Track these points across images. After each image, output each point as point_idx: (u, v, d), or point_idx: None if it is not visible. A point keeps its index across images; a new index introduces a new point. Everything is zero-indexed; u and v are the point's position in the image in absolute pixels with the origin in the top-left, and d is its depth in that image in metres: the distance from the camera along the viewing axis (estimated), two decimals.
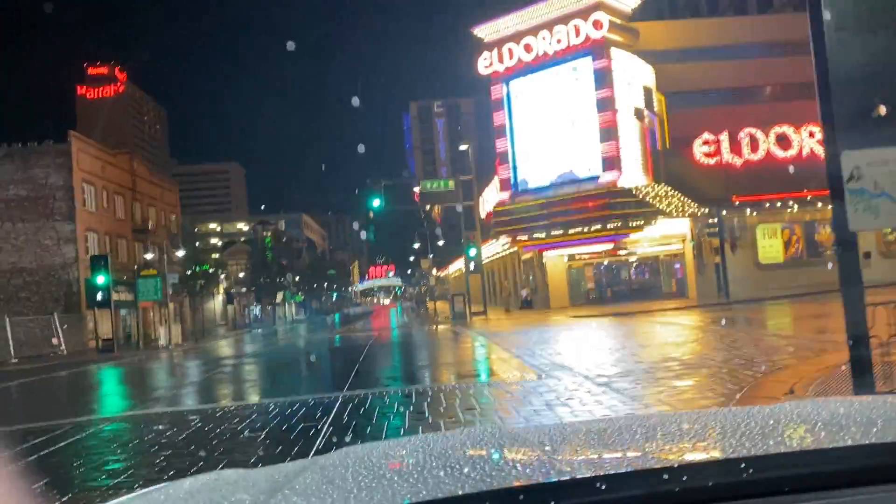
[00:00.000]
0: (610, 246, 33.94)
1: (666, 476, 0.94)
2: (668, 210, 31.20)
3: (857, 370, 6.20)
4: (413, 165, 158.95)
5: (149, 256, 42.48)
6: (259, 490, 1.22)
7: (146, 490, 1.41)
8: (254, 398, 12.64)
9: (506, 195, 35.97)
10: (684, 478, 0.93)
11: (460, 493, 0.97)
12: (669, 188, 31.50)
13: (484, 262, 40.07)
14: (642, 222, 31.23)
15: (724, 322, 19.36)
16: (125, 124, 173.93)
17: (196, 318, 55.23)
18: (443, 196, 40.02)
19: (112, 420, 11.01)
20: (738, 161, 33.03)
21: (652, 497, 0.92)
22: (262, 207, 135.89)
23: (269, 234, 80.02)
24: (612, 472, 1.05)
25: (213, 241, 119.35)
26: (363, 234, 35.09)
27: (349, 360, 17.92)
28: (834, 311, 19.83)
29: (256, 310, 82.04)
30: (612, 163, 32.00)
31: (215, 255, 79.96)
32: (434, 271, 75.00)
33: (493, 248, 44.89)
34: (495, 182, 40.62)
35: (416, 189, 58.28)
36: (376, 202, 37.37)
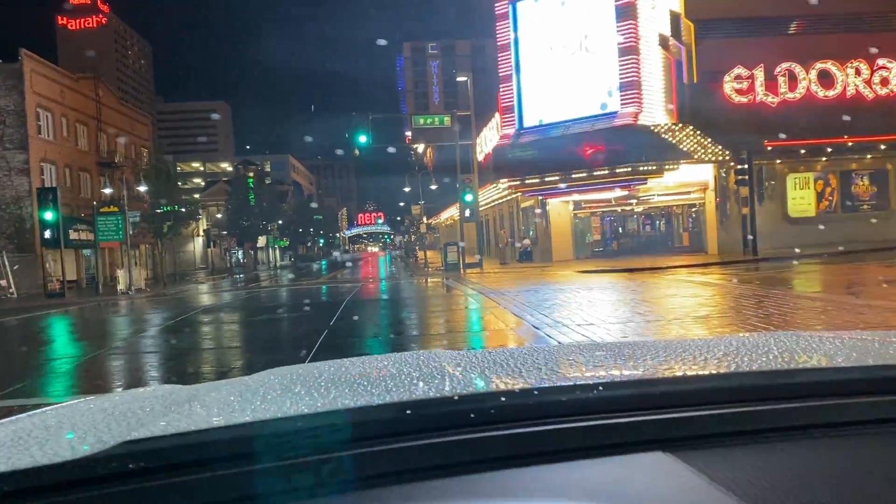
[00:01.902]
0: (624, 193, 30.23)
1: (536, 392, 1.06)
2: (694, 154, 27.41)
3: None
4: (405, 109, 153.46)
5: (107, 191, 38.36)
6: (176, 401, 1.23)
7: (82, 400, 1.39)
8: (168, 381, 9.02)
9: (508, 131, 31.97)
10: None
11: (351, 405, 1.05)
12: (696, 129, 27.65)
13: (479, 210, 36.36)
14: (665, 166, 27.45)
15: (785, 284, 15.85)
16: (108, 58, 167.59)
17: (167, 262, 51.50)
18: (437, 134, 35.97)
19: None
20: (773, 100, 29.10)
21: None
22: (248, 148, 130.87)
23: (251, 174, 75.61)
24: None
25: (197, 180, 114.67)
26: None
27: (320, 320, 14.52)
28: None
29: (239, 254, 78.39)
30: (632, 96, 28.02)
31: (196, 196, 75.72)
32: (424, 219, 71.46)
33: (489, 195, 41.15)
34: (495, 122, 36.62)
35: (408, 133, 54.18)
36: (363, 138, 33.28)
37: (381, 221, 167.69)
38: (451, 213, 61.76)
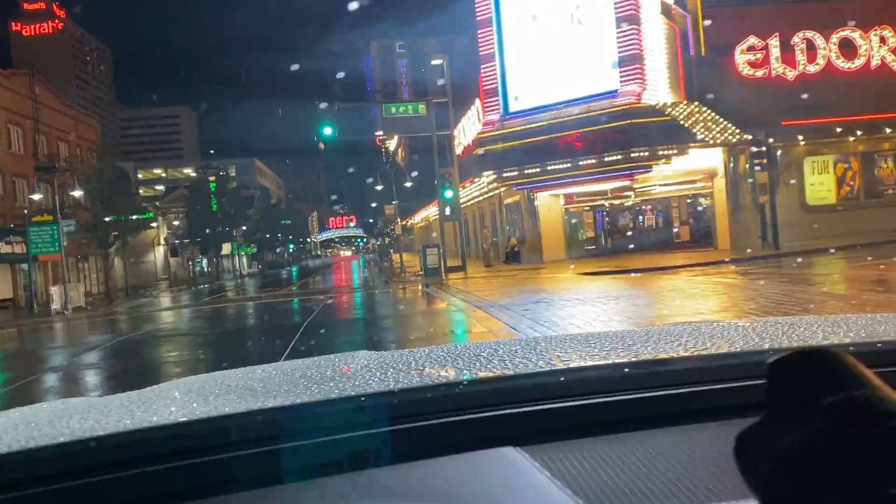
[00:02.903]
0: (625, 183, 26.82)
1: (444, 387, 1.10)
2: (706, 136, 24.03)
3: None
4: (375, 110, 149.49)
5: (36, 197, 34.03)
6: (64, 414, 1.21)
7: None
8: None
9: (492, 118, 28.37)
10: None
11: (255, 407, 1.03)
12: (706, 108, 24.30)
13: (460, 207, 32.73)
14: (673, 151, 24.05)
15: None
16: (66, 64, 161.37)
17: (121, 275, 47.22)
18: (410, 124, 32.29)
19: None
20: (790, 74, 25.89)
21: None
22: (212, 153, 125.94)
23: (213, 178, 71.18)
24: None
25: (159, 187, 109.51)
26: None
27: (272, 352, 10.95)
28: None
29: (203, 263, 74.01)
30: (633, 72, 24.56)
31: (157, 203, 71.13)
32: (398, 220, 67.77)
33: (470, 192, 37.58)
34: (475, 110, 33.06)
35: (379, 133, 50.31)
36: (328, 130, 29.59)
37: (352, 225, 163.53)
38: (426, 213, 58.08)
